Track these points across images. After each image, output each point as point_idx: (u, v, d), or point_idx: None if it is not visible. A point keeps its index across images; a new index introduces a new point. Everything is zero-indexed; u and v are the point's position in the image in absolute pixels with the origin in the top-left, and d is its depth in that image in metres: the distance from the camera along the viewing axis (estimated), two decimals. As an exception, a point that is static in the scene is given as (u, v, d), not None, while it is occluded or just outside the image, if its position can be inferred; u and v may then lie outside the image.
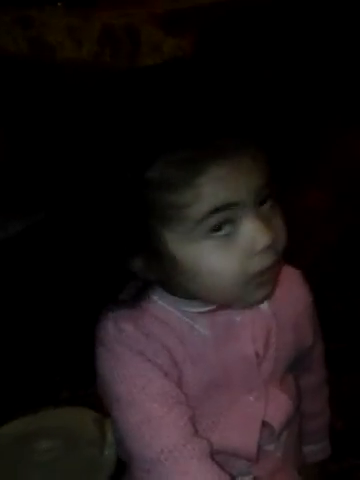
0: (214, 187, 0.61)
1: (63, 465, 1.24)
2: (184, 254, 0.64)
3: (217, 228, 0.62)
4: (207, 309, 0.68)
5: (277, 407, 0.73)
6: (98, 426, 1.26)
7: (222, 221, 0.62)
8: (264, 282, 0.65)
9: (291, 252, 0.70)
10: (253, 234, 0.63)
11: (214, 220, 0.61)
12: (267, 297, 0.68)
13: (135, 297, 0.68)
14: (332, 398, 0.89)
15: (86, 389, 1.44)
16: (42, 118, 1.60)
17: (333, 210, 1.83)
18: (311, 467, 0.90)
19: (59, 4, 1.73)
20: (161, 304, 0.69)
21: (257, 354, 0.71)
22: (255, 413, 0.72)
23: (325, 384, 0.88)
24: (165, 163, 0.60)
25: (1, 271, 1.63)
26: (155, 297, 0.69)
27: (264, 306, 0.72)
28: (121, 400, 0.66)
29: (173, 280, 0.66)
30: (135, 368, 0.66)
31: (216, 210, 0.61)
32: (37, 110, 1.65)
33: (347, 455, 1.19)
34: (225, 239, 0.63)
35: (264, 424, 0.72)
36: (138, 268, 0.66)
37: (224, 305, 0.69)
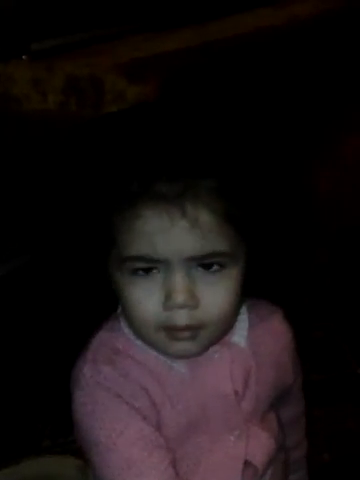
0: (138, 230, 0.62)
1: (48, 514, 1.22)
2: (115, 280, 0.66)
3: (142, 270, 0.63)
4: None
5: (258, 446, 0.73)
6: (81, 473, 1.24)
7: (143, 267, 0.63)
8: (180, 338, 0.64)
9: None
10: (169, 289, 0.63)
11: (132, 265, 0.62)
12: (189, 354, 0.66)
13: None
14: (317, 430, 0.89)
15: (66, 437, 1.43)
16: (13, 169, 1.63)
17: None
18: None
19: (24, 57, 1.76)
20: (138, 344, 0.69)
21: (236, 392, 0.71)
22: (236, 453, 0.71)
23: (302, 416, 0.88)
24: (118, 194, 0.62)
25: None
26: (131, 337, 0.70)
27: (242, 344, 0.73)
28: (100, 445, 0.65)
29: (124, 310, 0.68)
30: (113, 412, 0.65)
31: (136, 258, 0.62)
32: (8, 161, 1.67)
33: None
34: (149, 279, 0.63)
35: (246, 464, 0.71)
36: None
37: None
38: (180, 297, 0.62)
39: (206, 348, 0.68)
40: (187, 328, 0.63)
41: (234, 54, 1.51)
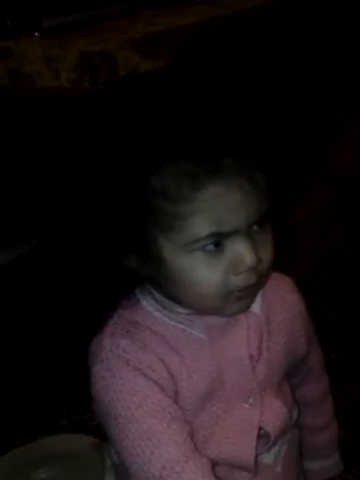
0: (215, 208, 0.62)
1: (63, 493, 1.23)
2: (174, 262, 0.66)
3: (213, 245, 0.64)
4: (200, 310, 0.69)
5: (272, 413, 0.74)
6: (97, 452, 1.25)
7: (216, 242, 0.64)
8: (244, 296, 0.67)
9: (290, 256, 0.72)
10: (239, 255, 0.64)
11: (208, 241, 0.63)
12: (244, 309, 0.69)
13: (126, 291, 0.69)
14: (335, 409, 0.89)
15: (82, 415, 1.44)
16: (26, 147, 1.61)
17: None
18: None
19: (36, 34, 1.74)
20: (156, 316, 0.70)
21: (251, 357, 0.72)
22: (250, 420, 0.72)
23: (328, 396, 0.88)
24: (167, 173, 0.61)
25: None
26: (150, 308, 0.70)
27: (257, 310, 0.74)
28: (119, 417, 0.67)
29: (161, 282, 0.68)
30: (132, 384, 0.66)
31: (215, 235, 0.63)
32: (20, 140, 1.66)
33: (351, 467, 1.18)
34: (214, 254, 0.65)
35: (260, 432, 0.72)
36: (132, 264, 0.68)
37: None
38: (251, 260, 0.64)
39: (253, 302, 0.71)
40: (254, 285, 0.66)
41: (248, 28, 1.49)
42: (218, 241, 0.63)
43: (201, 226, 0.62)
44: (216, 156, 0.61)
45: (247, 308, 0.70)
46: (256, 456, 0.72)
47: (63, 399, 1.51)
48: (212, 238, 0.63)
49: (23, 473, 1.28)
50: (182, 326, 0.69)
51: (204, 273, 0.64)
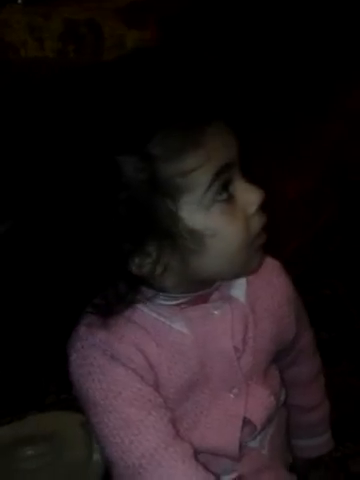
0: (215, 146, 0.62)
1: (50, 471, 1.23)
2: (196, 224, 0.64)
3: (220, 192, 0.62)
4: (185, 300, 0.67)
5: (258, 403, 0.73)
6: (85, 430, 1.24)
7: (224, 184, 0.63)
8: (260, 246, 0.67)
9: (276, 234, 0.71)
10: (247, 194, 0.64)
11: (219, 182, 0.62)
12: (261, 263, 0.70)
13: (117, 302, 0.67)
14: (325, 388, 0.88)
15: (70, 393, 1.43)
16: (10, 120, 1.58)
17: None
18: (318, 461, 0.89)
19: (19, 1, 1.69)
20: (136, 306, 0.68)
21: (236, 349, 0.70)
22: (235, 410, 0.71)
23: (319, 375, 0.88)
24: (164, 135, 0.59)
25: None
26: None
27: (241, 298, 0.72)
28: (98, 406, 0.65)
29: (183, 263, 0.65)
30: (110, 373, 0.65)
31: (221, 170, 0.62)
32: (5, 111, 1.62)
33: (340, 444, 1.19)
34: (227, 204, 0.64)
35: (245, 421, 0.71)
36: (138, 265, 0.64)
37: (203, 296, 0.69)
38: (258, 194, 0.65)
39: None
40: (264, 231, 0.67)
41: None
42: (225, 185, 0.63)
43: (210, 169, 0.62)
44: (207, 112, 0.62)
45: (262, 263, 0.70)
46: (241, 443, 0.71)
47: (50, 377, 1.50)
48: (221, 176, 0.62)
49: (10, 450, 1.28)
50: (162, 319, 0.67)
51: (227, 226, 0.64)
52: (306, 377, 0.87)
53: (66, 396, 1.44)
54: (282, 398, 0.79)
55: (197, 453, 0.66)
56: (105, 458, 0.68)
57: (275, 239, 0.71)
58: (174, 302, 0.67)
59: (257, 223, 0.66)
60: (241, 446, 0.71)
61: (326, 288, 1.70)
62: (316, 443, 0.91)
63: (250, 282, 0.72)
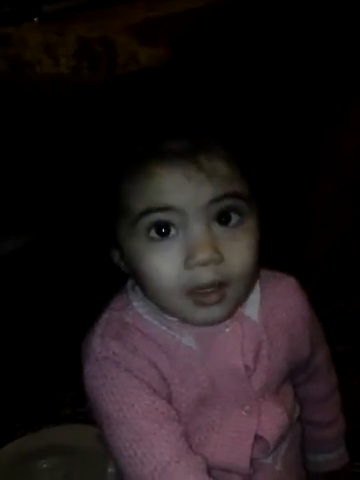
0: (152, 184, 0.61)
1: (66, 484, 1.23)
2: (129, 251, 0.66)
3: (157, 229, 0.62)
4: None
5: (270, 421, 0.73)
6: (101, 443, 1.24)
7: (161, 222, 0.62)
8: (207, 302, 0.63)
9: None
10: (191, 245, 0.61)
11: (150, 219, 0.62)
12: (217, 319, 0.65)
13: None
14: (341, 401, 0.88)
15: (85, 406, 1.44)
16: (25, 136, 1.60)
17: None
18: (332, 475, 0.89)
19: (35, 20, 1.72)
20: (147, 319, 0.70)
21: (247, 367, 0.70)
22: (247, 428, 0.72)
23: (335, 392, 0.88)
24: (122, 157, 0.63)
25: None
26: (140, 310, 0.69)
27: (254, 318, 0.72)
28: (111, 418, 0.66)
29: (135, 277, 0.69)
30: (123, 386, 0.66)
31: (149, 210, 0.61)
32: (20, 129, 1.64)
33: (356, 460, 1.17)
34: (167, 242, 0.63)
35: (257, 438, 0.71)
36: (115, 259, 0.70)
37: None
38: (204, 251, 0.61)
39: (231, 312, 0.66)
40: (212, 285, 0.62)
41: (248, 12, 1.46)
42: (167, 227, 0.61)
43: (137, 202, 0.61)
44: (158, 137, 0.61)
45: (219, 319, 0.66)
46: (253, 459, 0.71)
47: (66, 389, 1.51)
48: (151, 215, 0.61)
49: (26, 463, 1.29)
50: (171, 332, 0.68)
51: (154, 263, 0.63)
52: (322, 394, 0.86)
53: (82, 409, 1.45)
54: (296, 415, 0.78)
55: (209, 469, 0.66)
56: (119, 470, 0.68)
57: (292, 252, 0.71)
58: (175, 319, 0.68)
59: (193, 278, 0.62)
60: (253, 462, 0.71)
61: (342, 301, 1.69)
62: (331, 458, 0.90)
63: (264, 299, 0.72)
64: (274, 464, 0.75)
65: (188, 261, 0.61)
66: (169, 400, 0.68)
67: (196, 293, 0.63)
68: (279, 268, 0.77)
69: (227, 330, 0.69)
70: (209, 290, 0.63)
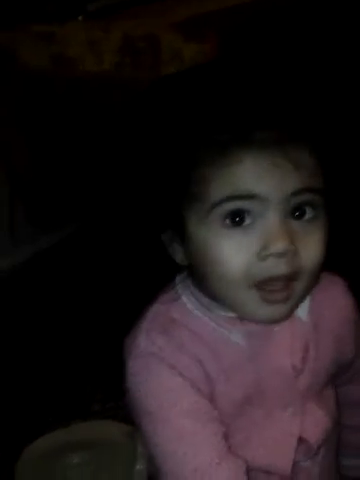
0: (236, 172, 0.59)
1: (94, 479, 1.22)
2: (197, 236, 0.64)
3: (233, 217, 0.61)
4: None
5: (314, 423, 0.70)
6: (129, 439, 1.24)
7: (239, 211, 0.60)
8: (272, 300, 0.61)
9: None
10: (267, 235, 0.60)
11: (229, 207, 0.60)
12: (280, 318, 0.63)
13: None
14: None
15: (116, 401, 1.43)
16: (66, 131, 1.62)
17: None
18: None
19: (79, 18, 1.74)
20: (196, 314, 0.68)
21: (294, 367, 0.68)
22: (291, 429, 0.69)
23: None
24: (203, 143, 0.61)
25: (34, 284, 1.64)
26: (190, 306, 0.68)
27: (304, 316, 0.70)
28: (152, 415, 0.64)
29: (193, 268, 0.66)
30: (167, 383, 0.63)
31: (232, 197, 0.59)
32: (61, 125, 1.66)
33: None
34: (241, 231, 0.61)
35: (301, 440, 0.69)
36: (167, 241, 0.67)
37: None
38: (281, 242, 0.59)
39: (293, 311, 0.65)
40: (281, 280, 0.61)
41: (292, 7, 1.44)
42: (237, 213, 0.60)
43: (216, 189, 0.59)
44: (247, 127, 0.60)
45: (283, 317, 0.64)
46: (294, 462, 0.69)
47: (97, 384, 1.51)
48: (233, 203, 0.60)
49: (56, 458, 1.28)
50: (221, 329, 0.66)
51: (225, 251, 0.60)
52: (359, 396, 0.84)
53: (112, 405, 1.44)
54: (336, 419, 0.77)
55: (248, 470, 0.64)
56: (153, 468, 0.67)
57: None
58: (231, 314, 0.66)
59: (265, 269, 0.60)
60: (294, 465, 0.69)
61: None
62: None
63: (314, 299, 0.70)
64: (312, 467, 0.73)
65: (262, 251, 0.60)
66: (211, 399, 0.66)
67: (263, 289, 0.61)
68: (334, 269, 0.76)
69: (276, 329, 0.67)
70: (278, 285, 0.61)
